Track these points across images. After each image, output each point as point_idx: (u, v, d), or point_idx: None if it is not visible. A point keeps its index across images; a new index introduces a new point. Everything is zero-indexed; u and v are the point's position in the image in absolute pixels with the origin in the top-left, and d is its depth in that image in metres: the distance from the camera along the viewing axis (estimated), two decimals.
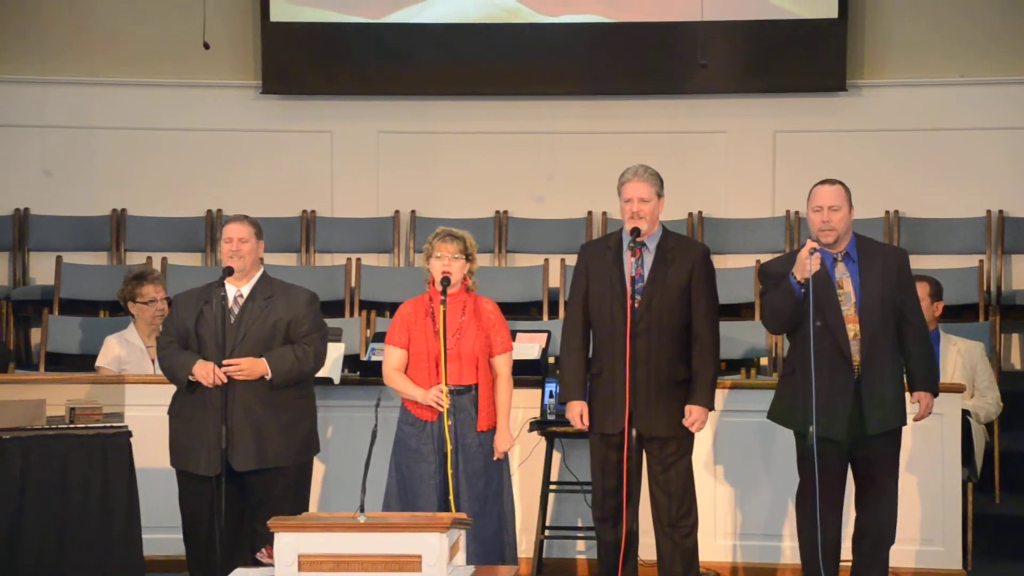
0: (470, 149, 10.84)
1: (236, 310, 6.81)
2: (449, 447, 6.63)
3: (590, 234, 10.54)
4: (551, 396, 7.53)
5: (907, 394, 6.62)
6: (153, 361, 7.92)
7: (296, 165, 10.89)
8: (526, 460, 7.61)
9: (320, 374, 7.15)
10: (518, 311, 9.97)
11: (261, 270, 6.93)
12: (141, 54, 10.84)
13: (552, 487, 7.70)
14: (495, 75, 10.84)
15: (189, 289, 7.05)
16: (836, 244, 6.52)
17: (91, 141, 10.85)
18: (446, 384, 6.63)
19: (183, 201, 10.80)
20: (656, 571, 6.81)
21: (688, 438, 6.70)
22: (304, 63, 10.93)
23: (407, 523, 5.32)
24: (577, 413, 6.69)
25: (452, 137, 10.85)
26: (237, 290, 6.85)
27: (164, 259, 10.40)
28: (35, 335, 10.30)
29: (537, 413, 7.61)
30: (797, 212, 10.36)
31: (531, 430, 7.58)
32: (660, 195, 6.71)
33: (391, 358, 6.82)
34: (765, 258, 8.55)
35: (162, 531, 7.24)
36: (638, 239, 6.60)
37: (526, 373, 7.61)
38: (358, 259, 10.42)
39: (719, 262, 8.62)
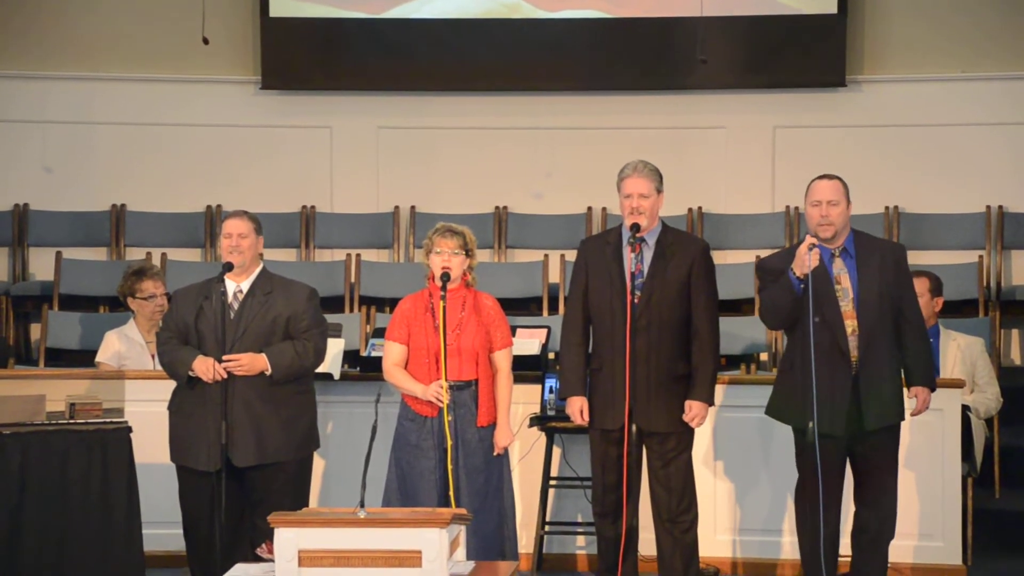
0: (470, 145, 10.83)
1: (236, 306, 6.81)
2: (449, 443, 6.63)
3: (590, 230, 10.53)
4: (551, 392, 7.54)
5: (904, 389, 6.62)
6: (153, 357, 7.92)
7: (296, 161, 10.89)
8: (526, 456, 7.62)
9: (320, 370, 7.16)
10: (518, 307, 9.97)
11: (261, 266, 6.93)
12: (141, 50, 10.84)
13: (552, 483, 7.71)
14: (495, 71, 10.83)
15: (189, 285, 7.05)
16: (834, 239, 6.52)
17: (91, 137, 10.84)
18: (446, 380, 6.63)
19: (183, 197, 10.80)
20: (656, 567, 6.82)
21: (688, 433, 6.70)
22: (304, 59, 10.92)
23: (407, 519, 5.33)
24: (577, 409, 6.69)
25: (452, 133, 10.85)
26: (237, 286, 6.85)
27: (164, 255, 10.40)
28: (35, 330, 10.30)
29: (537, 409, 7.61)
30: (797, 208, 10.36)
31: (531, 426, 7.59)
32: (660, 191, 6.71)
33: (391, 354, 6.81)
34: (765, 254, 8.54)
35: (162, 527, 7.24)
36: (638, 235, 6.60)
37: (526, 369, 7.62)
38: (358, 255, 10.42)
39: (719, 258, 8.62)
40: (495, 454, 6.74)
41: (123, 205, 10.79)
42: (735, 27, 10.60)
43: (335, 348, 7.57)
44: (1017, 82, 10.39)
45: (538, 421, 7.58)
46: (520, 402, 7.43)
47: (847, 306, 6.48)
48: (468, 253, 6.79)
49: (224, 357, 6.66)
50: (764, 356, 9.46)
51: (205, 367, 6.67)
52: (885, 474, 6.59)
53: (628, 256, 6.64)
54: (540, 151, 10.85)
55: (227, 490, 6.59)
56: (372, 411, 5.93)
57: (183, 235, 10.76)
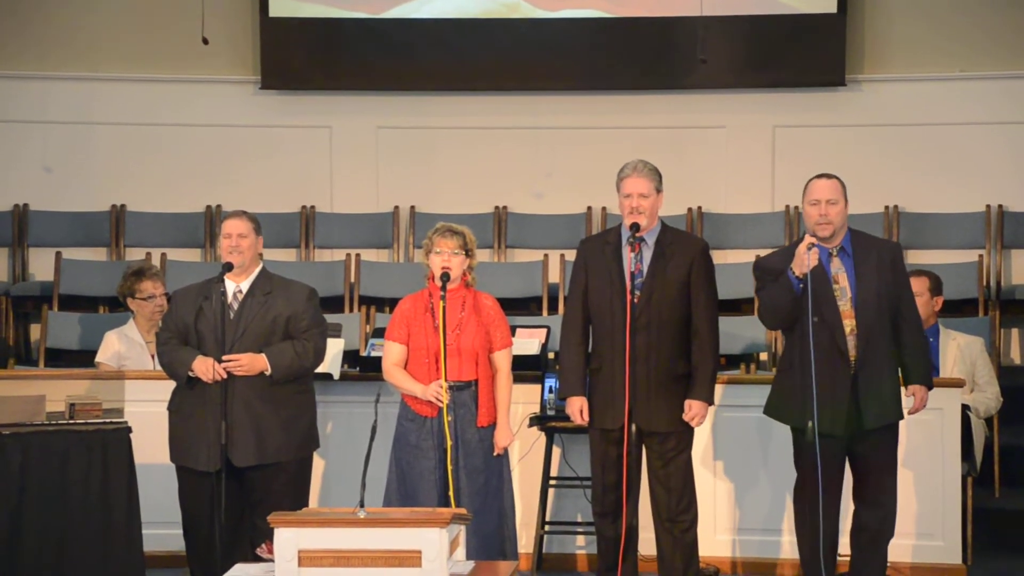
0: (469, 144, 10.83)
1: (235, 306, 6.81)
2: (449, 443, 6.63)
3: (589, 229, 10.53)
4: (551, 391, 7.54)
5: (902, 388, 6.62)
6: (153, 357, 7.92)
7: (295, 161, 10.89)
8: (526, 455, 7.62)
9: (320, 370, 7.15)
10: (517, 306, 9.97)
11: (260, 266, 6.93)
12: (141, 50, 10.84)
13: (552, 482, 7.71)
14: (494, 70, 10.83)
15: (188, 285, 7.05)
16: (832, 239, 6.52)
17: (91, 137, 10.84)
18: (446, 380, 6.63)
19: (182, 197, 10.80)
20: (656, 566, 6.82)
21: (688, 433, 6.70)
22: (303, 58, 10.92)
23: (407, 518, 5.33)
24: (577, 408, 6.70)
25: (451, 132, 10.85)
26: (236, 286, 6.85)
27: (163, 255, 10.40)
28: (35, 331, 10.31)
29: (537, 408, 7.61)
30: (796, 207, 10.36)
31: (531, 425, 7.59)
32: (659, 190, 6.72)
33: (391, 354, 6.81)
34: (765, 253, 8.55)
35: (162, 527, 7.24)
36: (637, 234, 6.60)
37: (526, 368, 7.62)
38: (357, 254, 10.42)
39: (718, 257, 8.62)
40: (495, 454, 6.74)
41: (123, 205, 10.79)
42: (735, 27, 10.60)
43: (335, 348, 7.57)
44: (1017, 82, 10.39)
45: (538, 421, 7.58)
46: (520, 402, 7.43)
47: (845, 305, 6.48)
48: (468, 253, 6.79)
49: (224, 357, 6.66)
50: (764, 356, 9.46)
51: (205, 367, 6.67)
52: (884, 473, 6.59)
53: (628, 256, 6.64)
54: (540, 151, 10.85)
55: (227, 490, 6.59)
56: (372, 411, 5.93)
57: (183, 235, 10.77)
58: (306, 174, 10.89)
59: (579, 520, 7.74)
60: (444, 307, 6.66)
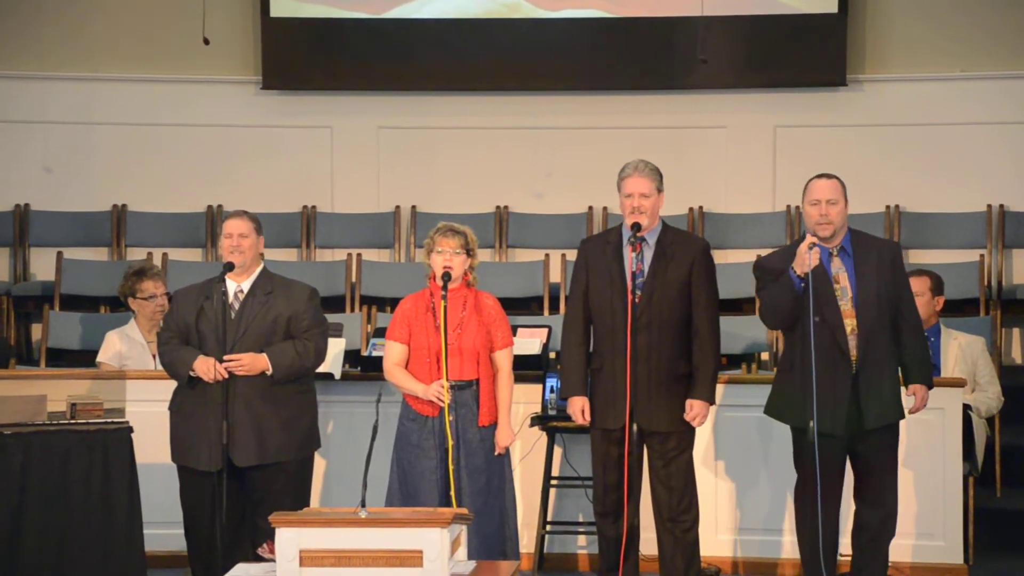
0: (470, 144, 10.83)
1: (236, 306, 6.82)
2: (450, 443, 6.63)
3: (590, 229, 10.53)
4: (552, 391, 7.54)
5: (902, 388, 6.62)
6: (154, 356, 7.92)
7: (296, 161, 10.89)
8: (527, 455, 7.62)
9: (321, 369, 7.16)
10: (518, 306, 9.97)
11: (261, 265, 6.93)
12: (142, 50, 10.84)
13: (553, 482, 7.71)
14: (495, 71, 10.83)
15: (189, 285, 7.05)
16: (832, 238, 6.53)
17: (91, 137, 10.84)
18: (447, 379, 6.63)
19: (183, 197, 10.80)
20: (657, 566, 6.82)
21: (689, 433, 6.70)
22: (304, 59, 10.92)
23: (408, 518, 5.33)
24: (578, 408, 6.69)
25: (452, 132, 10.85)
26: (237, 286, 6.85)
27: (164, 255, 10.40)
28: (36, 331, 10.30)
29: (538, 408, 7.61)
30: (797, 207, 10.35)
31: (532, 425, 7.59)
32: (660, 190, 6.72)
33: (392, 353, 6.81)
34: (765, 253, 8.55)
35: (163, 527, 7.24)
36: (638, 234, 6.60)
37: (527, 368, 7.62)
38: (358, 254, 10.42)
39: (719, 257, 8.63)
40: (496, 454, 6.74)
41: (124, 205, 10.79)
42: (735, 26, 10.60)
43: (336, 348, 7.57)
44: (1017, 82, 10.39)
45: (539, 421, 7.58)
46: (521, 402, 7.43)
47: (846, 305, 6.48)
48: (469, 253, 6.79)
49: (225, 357, 6.67)
50: (764, 356, 9.46)
51: (206, 367, 6.67)
52: (885, 473, 6.59)
53: (629, 255, 6.64)
54: (540, 151, 10.85)
55: (228, 490, 6.59)
56: (373, 411, 5.93)
57: (184, 235, 10.77)
58: (307, 174, 10.89)
59: (580, 520, 7.75)
60: (445, 307, 6.66)
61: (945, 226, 10.40)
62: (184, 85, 10.84)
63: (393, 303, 9.28)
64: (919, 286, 7.88)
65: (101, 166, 10.83)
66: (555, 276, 10.21)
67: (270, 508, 6.00)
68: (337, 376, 7.67)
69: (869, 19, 10.63)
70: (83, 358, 9.20)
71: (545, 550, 7.72)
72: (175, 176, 10.83)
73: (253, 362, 6.69)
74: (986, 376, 8.11)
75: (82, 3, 10.89)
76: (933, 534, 7.53)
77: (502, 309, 6.87)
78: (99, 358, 8.26)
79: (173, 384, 6.87)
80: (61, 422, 6.60)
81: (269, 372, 6.71)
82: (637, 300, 6.58)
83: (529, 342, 7.82)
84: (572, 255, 7.33)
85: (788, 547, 7.55)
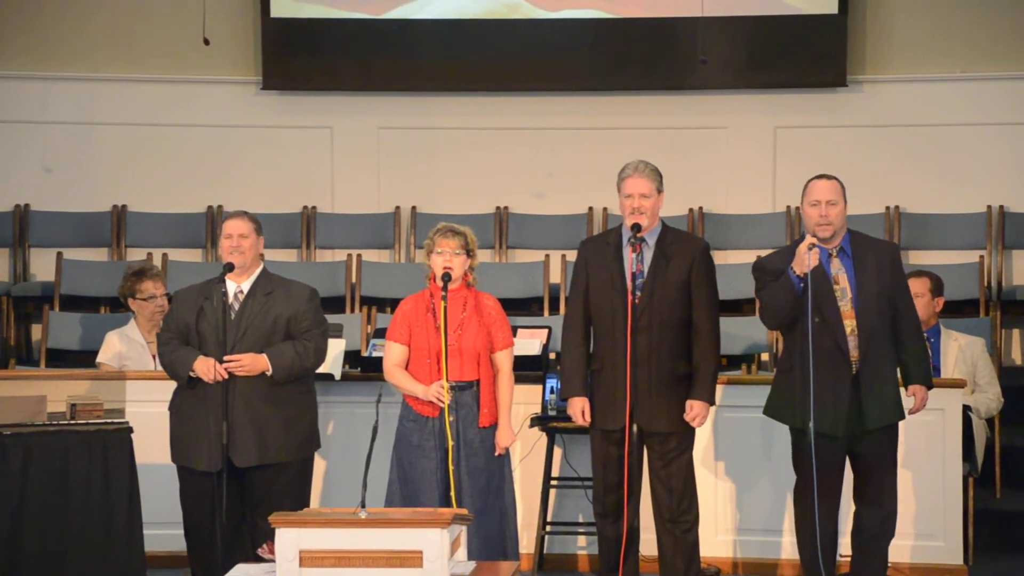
0: (470, 145, 10.84)
1: (236, 306, 6.82)
2: (450, 443, 6.63)
3: (590, 230, 10.53)
4: (552, 392, 7.54)
5: (902, 388, 6.62)
6: (154, 357, 7.92)
7: (296, 161, 10.89)
8: (527, 456, 7.62)
9: (321, 370, 7.16)
10: (519, 307, 9.97)
11: (261, 266, 6.94)
12: (142, 50, 10.84)
13: (553, 483, 7.71)
14: (495, 71, 10.83)
15: (189, 285, 7.05)
16: (832, 239, 6.53)
17: (91, 137, 10.84)
18: (447, 380, 6.63)
19: (183, 197, 10.80)
20: (657, 567, 6.82)
21: (689, 433, 6.70)
22: (304, 59, 10.92)
23: (408, 519, 5.33)
24: (579, 409, 6.69)
25: (452, 133, 10.85)
26: (237, 286, 6.85)
27: (164, 255, 10.40)
28: (36, 331, 10.31)
29: (538, 409, 7.61)
30: (797, 208, 10.31)
31: (532, 426, 7.59)
32: (660, 191, 6.72)
33: (392, 354, 6.81)
34: (765, 254, 8.55)
35: (163, 527, 7.24)
36: (638, 235, 6.60)
37: (527, 369, 7.62)
38: (359, 255, 10.42)
39: (719, 258, 8.63)
40: (496, 454, 6.73)
41: (124, 206, 10.79)
42: (736, 27, 10.60)
43: (336, 348, 7.57)
44: (1017, 82, 10.39)
45: (539, 421, 7.58)
46: (521, 402, 7.43)
47: (846, 306, 6.49)
48: (469, 253, 6.79)
49: (225, 357, 6.67)
50: (764, 356, 9.46)
51: (206, 367, 6.67)
52: (885, 473, 6.59)
53: (629, 256, 6.64)
54: (541, 151, 10.85)
55: (228, 490, 6.59)
56: (373, 411, 5.94)
57: (184, 236, 10.77)
58: (307, 174, 10.89)
59: (580, 520, 7.75)
60: (445, 307, 6.65)
61: (945, 227, 10.40)
62: (184, 85, 10.84)
63: (393, 304, 9.28)
64: (919, 287, 7.88)
65: (101, 166, 10.83)
66: (555, 277, 10.20)
67: (270, 508, 6.00)
68: (337, 377, 7.67)
69: (869, 19, 10.63)
70: (83, 359, 9.20)
71: (545, 551, 7.72)
72: (175, 176, 10.83)
73: (253, 363, 6.69)
74: (986, 377, 8.12)
75: (82, 3, 10.90)
76: (933, 535, 7.53)
77: (502, 310, 6.87)
78: (99, 359, 8.26)
79: (173, 384, 6.87)
80: (61, 422, 6.60)
81: (269, 373, 6.71)
82: (637, 301, 6.58)
83: (529, 343, 7.82)
84: (572, 256, 7.33)
85: (788, 548, 7.55)
